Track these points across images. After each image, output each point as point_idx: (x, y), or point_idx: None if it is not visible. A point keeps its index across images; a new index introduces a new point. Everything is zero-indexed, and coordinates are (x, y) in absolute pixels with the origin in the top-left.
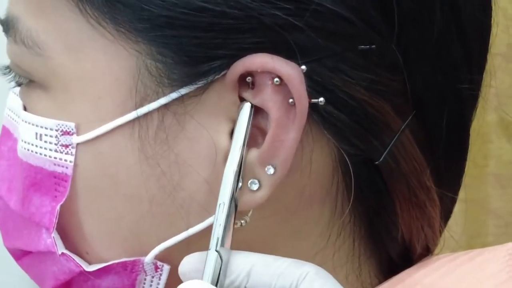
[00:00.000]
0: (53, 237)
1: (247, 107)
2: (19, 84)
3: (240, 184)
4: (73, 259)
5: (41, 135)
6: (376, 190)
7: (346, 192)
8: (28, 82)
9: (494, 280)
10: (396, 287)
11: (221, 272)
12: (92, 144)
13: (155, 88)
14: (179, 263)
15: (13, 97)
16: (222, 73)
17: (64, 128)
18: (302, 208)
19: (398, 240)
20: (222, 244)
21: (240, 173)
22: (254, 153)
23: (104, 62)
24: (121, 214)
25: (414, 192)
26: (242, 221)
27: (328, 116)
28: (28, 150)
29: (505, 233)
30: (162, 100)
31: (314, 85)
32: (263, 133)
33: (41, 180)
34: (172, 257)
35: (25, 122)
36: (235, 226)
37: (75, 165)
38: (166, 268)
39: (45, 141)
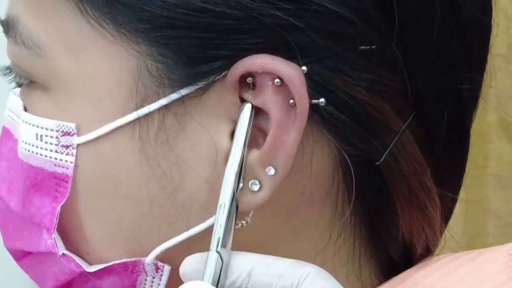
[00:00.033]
0: (54, 237)
1: (247, 108)
2: (19, 85)
3: (241, 184)
4: (74, 259)
5: (41, 135)
6: (377, 191)
7: (347, 192)
8: (28, 83)
9: (495, 280)
10: None
11: (221, 273)
12: (93, 144)
13: (156, 88)
14: (179, 264)
15: (14, 98)
16: (223, 73)
17: (65, 128)
18: (302, 209)
19: (398, 241)
20: (223, 245)
21: (241, 174)
22: (254, 154)
23: (104, 63)
24: (122, 215)
25: (415, 193)
26: (243, 222)
27: (328, 116)
28: (28, 150)
29: (505, 234)
30: (163, 101)
31: (314, 85)
32: (264, 134)
33: (41, 181)
34: (173, 257)
35: (26, 122)
36: (236, 226)
37: (76, 166)
38: (166, 268)
39: (46, 142)
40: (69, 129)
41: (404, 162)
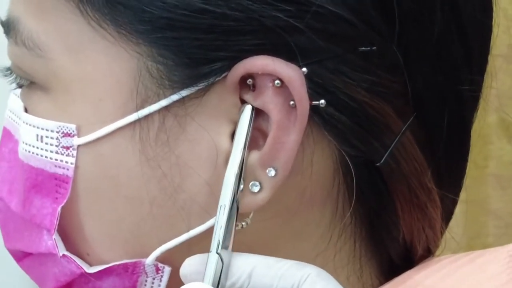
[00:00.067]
0: (54, 239)
1: (248, 109)
2: (20, 86)
3: (241, 186)
4: (74, 260)
5: (42, 136)
6: (377, 192)
7: (347, 193)
8: (29, 84)
9: (495, 281)
10: None
11: (222, 274)
12: (93, 145)
13: (156, 90)
14: (180, 265)
15: (14, 99)
16: (223, 75)
17: (65, 129)
18: (303, 210)
19: (399, 241)
20: (223, 246)
21: (241, 175)
22: (255, 155)
23: (105, 64)
24: (122, 216)
25: (415, 193)
26: (243, 223)
27: (329, 118)
28: (29, 151)
29: (505, 234)
30: (163, 102)
31: (315, 87)
32: (264, 135)
33: (42, 182)
34: (173, 259)
35: (26, 123)
36: (236, 228)
37: (76, 167)
38: (167, 270)
39: (46, 143)
40: (69, 130)
41: (404, 163)
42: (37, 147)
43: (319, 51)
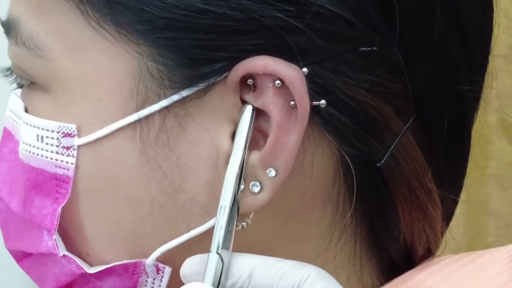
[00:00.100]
0: (55, 239)
1: (248, 109)
2: (20, 86)
3: (241, 186)
4: (75, 261)
5: (42, 137)
6: (378, 192)
7: (348, 194)
8: (29, 84)
9: (495, 282)
10: None
11: (222, 274)
12: (94, 146)
13: (157, 90)
14: (180, 265)
15: (15, 99)
16: (224, 75)
17: (65, 130)
18: (303, 210)
19: (399, 242)
20: (224, 247)
21: (242, 176)
22: (255, 156)
23: (105, 64)
24: (122, 216)
25: (415, 194)
26: (244, 223)
27: (329, 118)
28: (29, 152)
29: (506, 234)
30: (164, 102)
31: (315, 87)
32: (265, 135)
33: (42, 182)
34: (174, 259)
35: (26, 124)
36: (237, 228)
37: (77, 167)
38: (167, 270)
39: (47, 143)
40: (69, 130)
41: (405, 163)
42: (38, 147)
43: (319, 51)
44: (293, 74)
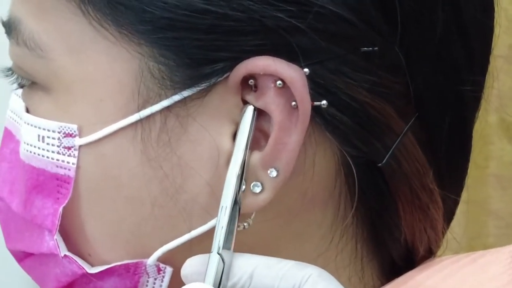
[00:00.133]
0: (56, 239)
1: (250, 110)
2: (21, 86)
3: (243, 186)
4: (76, 261)
5: (43, 137)
6: (379, 192)
7: (349, 194)
8: (30, 84)
9: (496, 282)
10: None
11: (223, 274)
12: (95, 146)
13: (158, 90)
14: (181, 265)
15: (15, 99)
16: (225, 75)
17: (67, 130)
18: (304, 211)
19: (400, 242)
20: (225, 247)
21: (243, 176)
22: (256, 156)
23: (106, 64)
24: (123, 216)
25: (417, 194)
26: (245, 224)
27: (330, 118)
28: (30, 152)
29: (506, 234)
30: (165, 103)
31: (316, 87)
32: (266, 136)
33: (43, 182)
34: (175, 259)
35: (27, 124)
36: (238, 228)
37: (78, 167)
38: (168, 270)
39: (48, 143)
40: (71, 131)
41: (406, 164)
42: (39, 148)
43: (321, 52)
44: (295, 74)
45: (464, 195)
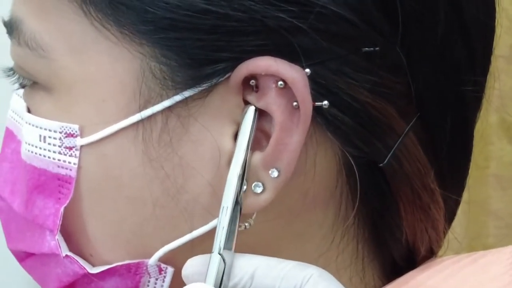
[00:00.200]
0: (57, 239)
1: (251, 110)
2: (22, 86)
3: (244, 187)
4: (77, 261)
5: (44, 137)
6: (380, 192)
7: (350, 194)
8: (31, 84)
9: (497, 282)
10: None
11: (224, 274)
12: (96, 146)
13: (159, 90)
14: (183, 266)
15: (17, 99)
16: (226, 76)
17: (68, 130)
18: (305, 211)
19: (401, 242)
20: (226, 247)
21: (244, 176)
22: (258, 156)
23: (108, 65)
24: (124, 216)
25: (418, 194)
26: (246, 224)
27: (332, 119)
28: (31, 152)
29: (506, 235)
30: (166, 103)
31: (318, 88)
32: (267, 136)
33: (44, 182)
34: (176, 259)
35: (29, 124)
36: (239, 229)
37: (79, 167)
38: (170, 270)
39: (49, 143)
40: (72, 131)
41: (407, 164)
42: (40, 148)
43: (322, 52)
44: (296, 75)
45: (465, 195)
